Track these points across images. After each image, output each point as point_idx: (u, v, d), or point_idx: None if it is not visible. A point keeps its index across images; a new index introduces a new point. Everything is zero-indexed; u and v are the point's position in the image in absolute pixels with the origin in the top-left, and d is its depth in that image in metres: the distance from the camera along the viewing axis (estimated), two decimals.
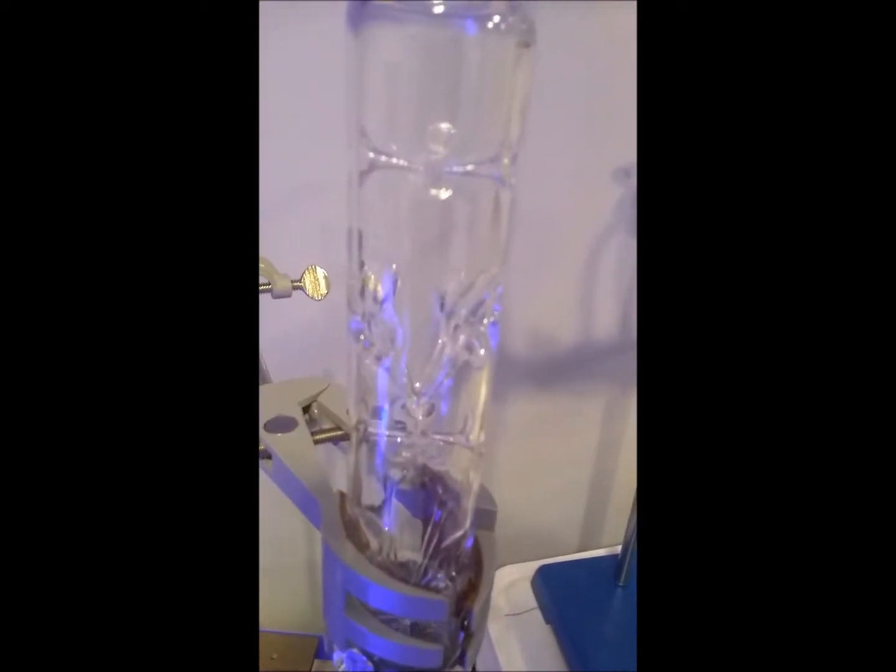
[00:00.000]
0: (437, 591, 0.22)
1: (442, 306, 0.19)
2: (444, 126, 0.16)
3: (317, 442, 0.29)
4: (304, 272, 0.40)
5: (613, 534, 0.82)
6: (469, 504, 0.23)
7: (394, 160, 0.17)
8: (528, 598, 0.68)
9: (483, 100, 0.16)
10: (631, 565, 0.66)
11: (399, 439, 0.22)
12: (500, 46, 0.16)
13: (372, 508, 0.23)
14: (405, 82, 0.16)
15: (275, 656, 0.77)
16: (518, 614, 0.67)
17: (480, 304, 0.19)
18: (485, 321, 0.20)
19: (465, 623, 0.22)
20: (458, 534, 0.22)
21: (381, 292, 0.19)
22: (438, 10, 0.15)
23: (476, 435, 0.22)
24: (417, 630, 0.22)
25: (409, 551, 0.22)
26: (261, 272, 0.39)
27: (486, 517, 0.24)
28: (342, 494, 0.24)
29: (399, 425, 0.21)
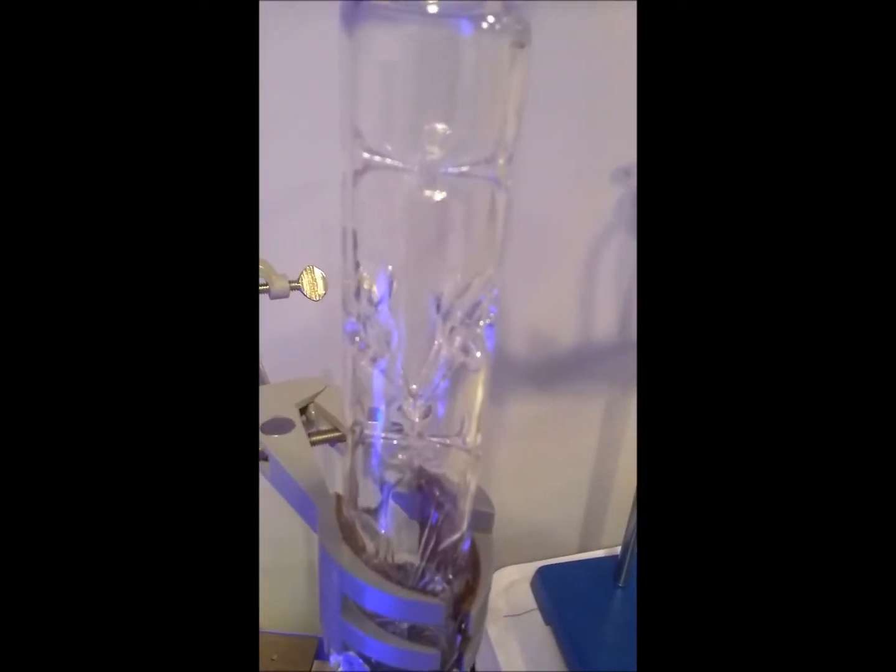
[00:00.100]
0: (433, 594, 0.22)
1: (438, 308, 0.19)
2: (439, 126, 0.16)
3: (314, 443, 0.29)
4: (302, 273, 0.40)
5: (613, 534, 0.82)
6: (466, 506, 0.22)
7: (388, 161, 0.17)
8: (527, 599, 0.68)
9: (478, 100, 0.16)
10: (631, 566, 0.66)
11: (395, 441, 0.21)
12: (495, 46, 0.16)
13: (368, 511, 0.23)
14: (399, 82, 0.16)
15: (275, 657, 0.77)
16: (518, 615, 0.67)
17: (476, 305, 0.19)
18: (481, 323, 0.20)
19: (463, 626, 0.22)
20: (456, 536, 0.22)
21: (376, 293, 0.19)
22: (433, 9, 0.15)
23: (473, 437, 0.22)
24: (414, 633, 0.22)
25: (406, 554, 0.22)
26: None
27: (483, 519, 0.24)
28: (338, 497, 0.24)
29: (395, 427, 0.21)
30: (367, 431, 0.22)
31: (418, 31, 0.15)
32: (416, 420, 0.21)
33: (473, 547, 0.24)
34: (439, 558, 0.22)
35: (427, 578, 0.22)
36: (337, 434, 0.30)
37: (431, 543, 0.22)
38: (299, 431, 0.29)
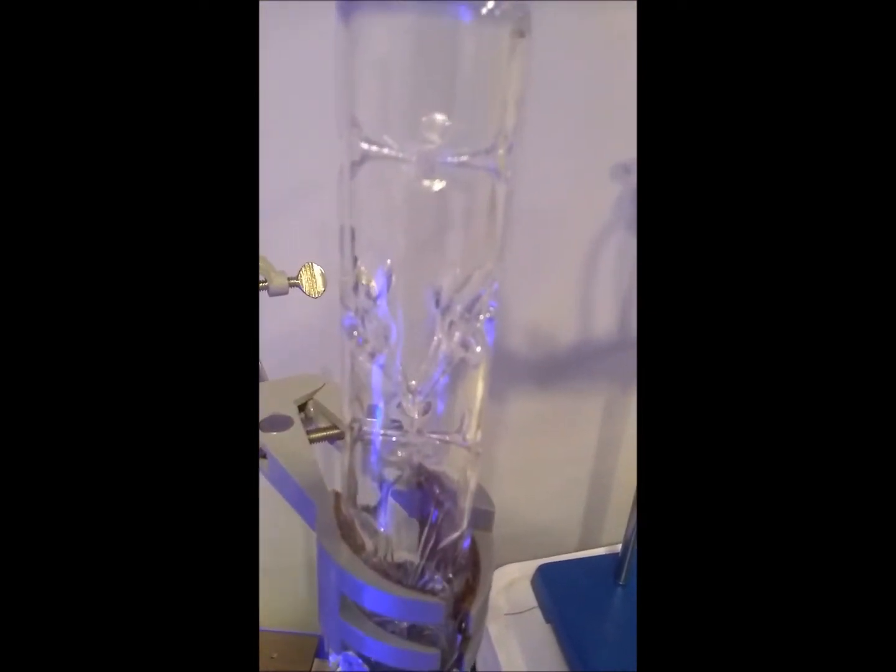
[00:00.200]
0: (433, 593, 0.22)
1: (437, 302, 0.19)
2: (438, 116, 0.16)
3: (312, 441, 0.28)
4: (301, 269, 0.40)
5: (613, 533, 0.82)
6: (466, 504, 0.22)
7: (386, 150, 0.16)
8: (527, 597, 0.68)
9: (477, 88, 0.16)
10: (631, 564, 0.66)
11: (394, 438, 0.21)
12: (495, 33, 0.15)
13: (367, 509, 0.22)
14: (397, 70, 0.16)
15: (274, 655, 0.77)
16: (518, 613, 0.67)
17: (476, 299, 0.19)
18: (481, 317, 0.19)
19: (463, 626, 0.22)
20: (456, 535, 0.22)
21: (374, 288, 0.19)
22: None
23: (473, 434, 0.21)
24: (414, 633, 0.22)
25: (406, 552, 0.22)
26: None
27: (483, 517, 0.24)
28: (337, 494, 0.24)
29: (394, 424, 0.21)
30: (365, 428, 0.21)
31: (416, 17, 0.15)
32: (416, 416, 0.21)
33: (474, 545, 0.23)
34: (439, 557, 0.22)
35: (427, 577, 0.22)
36: (336, 431, 0.30)
37: (431, 542, 0.22)
38: (298, 429, 0.28)
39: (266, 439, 0.28)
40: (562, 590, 0.66)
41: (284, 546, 0.77)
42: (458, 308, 0.19)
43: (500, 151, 0.17)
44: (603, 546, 0.75)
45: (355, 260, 0.19)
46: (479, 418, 0.21)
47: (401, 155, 0.16)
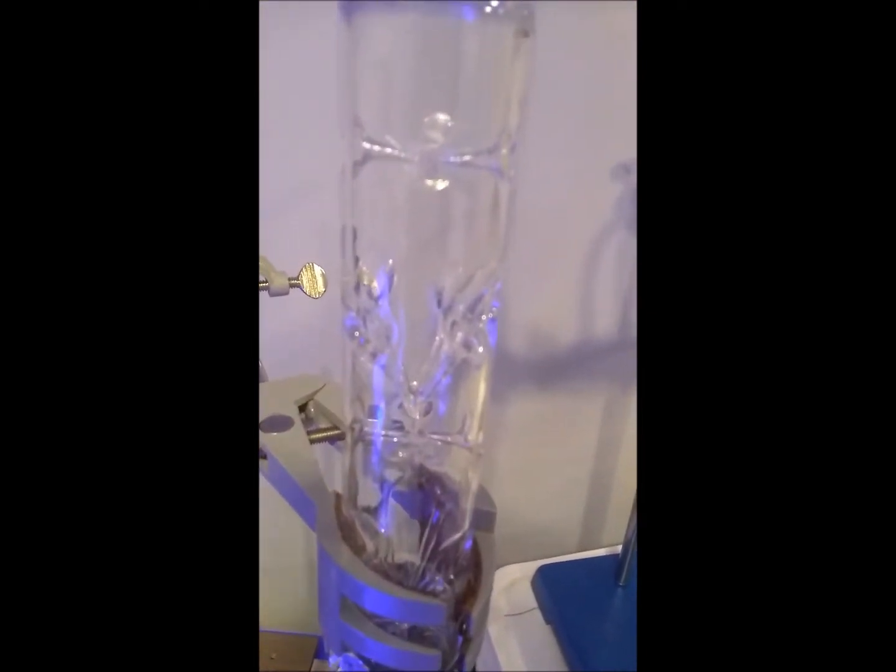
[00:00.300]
0: (434, 594, 0.21)
1: (439, 302, 0.19)
2: (441, 116, 0.16)
3: (313, 441, 0.28)
4: (302, 270, 0.40)
5: (614, 533, 0.81)
6: (468, 505, 0.22)
7: (388, 150, 0.16)
8: (528, 598, 0.68)
9: (481, 88, 0.16)
10: (631, 565, 0.66)
11: (396, 439, 0.21)
12: (499, 32, 0.15)
13: (368, 510, 0.22)
14: (400, 70, 0.16)
15: (274, 656, 0.77)
16: (518, 614, 0.67)
17: (479, 299, 0.19)
18: (483, 318, 0.19)
19: (464, 627, 0.22)
20: (457, 535, 0.22)
21: (376, 287, 0.19)
22: None
23: (475, 434, 0.21)
24: (415, 634, 0.22)
25: (407, 553, 0.22)
26: None
27: (485, 518, 0.24)
28: (338, 495, 0.24)
29: (396, 424, 0.21)
30: (366, 429, 0.21)
31: (419, 16, 0.15)
32: (417, 417, 0.21)
33: (475, 546, 0.23)
34: (440, 558, 0.22)
35: (428, 578, 0.22)
36: (336, 432, 0.29)
37: (432, 543, 0.22)
38: (298, 429, 0.28)
39: (266, 440, 0.28)
40: (562, 591, 0.65)
41: (284, 546, 0.77)
42: (461, 308, 0.19)
43: (504, 151, 0.17)
44: (603, 547, 0.75)
45: (357, 260, 0.19)
46: (480, 419, 0.21)
47: (403, 154, 0.16)
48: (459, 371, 0.20)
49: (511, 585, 0.70)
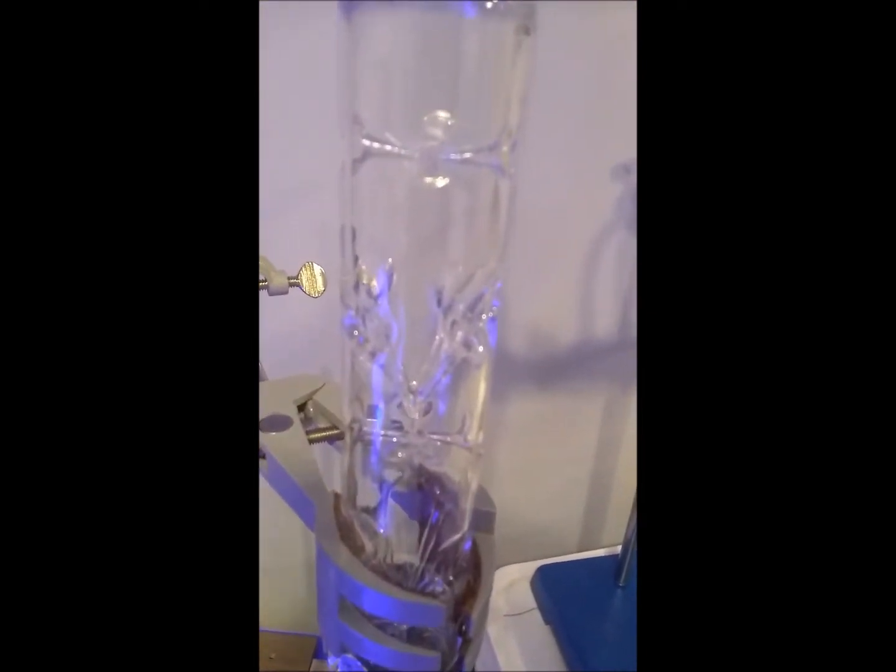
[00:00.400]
0: (434, 595, 0.21)
1: (439, 301, 0.19)
2: (441, 112, 0.15)
3: (312, 441, 0.28)
4: (301, 269, 0.39)
5: (613, 534, 0.81)
6: (467, 505, 0.22)
7: (388, 147, 0.16)
8: (527, 598, 0.68)
9: (481, 85, 0.16)
10: (631, 565, 0.66)
11: (395, 439, 0.21)
12: (500, 30, 0.15)
13: (367, 510, 0.22)
14: (400, 68, 0.16)
15: (273, 656, 0.77)
16: (517, 615, 0.67)
17: (479, 299, 0.19)
18: (483, 317, 0.19)
19: (464, 628, 0.22)
20: (456, 536, 0.22)
21: (375, 286, 0.18)
22: None
23: (474, 434, 0.21)
24: (414, 635, 0.22)
25: (406, 554, 0.22)
26: None
27: (484, 519, 0.23)
28: (337, 495, 0.23)
29: (395, 424, 0.21)
30: (366, 429, 0.21)
31: (420, 14, 0.15)
32: (417, 417, 0.20)
33: (474, 547, 0.23)
34: (440, 559, 0.22)
35: (427, 579, 0.22)
36: (335, 432, 0.29)
37: (431, 543, 0.21)
38: (297, 429, 0.28)
39: (265, 439, 0.27)
40: (561, 591, 0.65)
41: (284, 546, 0.77)
42: (461, 307, 0.19)
43: (504, 148, 0.17)
44: (603, 547, 0.75)
45: (356, 258, 0.19)
46: (480, 419, 0.21)
47: (403, 152, 0.16)
48: (459, 371, 0.20)
49: (510, 586, 0.70)
